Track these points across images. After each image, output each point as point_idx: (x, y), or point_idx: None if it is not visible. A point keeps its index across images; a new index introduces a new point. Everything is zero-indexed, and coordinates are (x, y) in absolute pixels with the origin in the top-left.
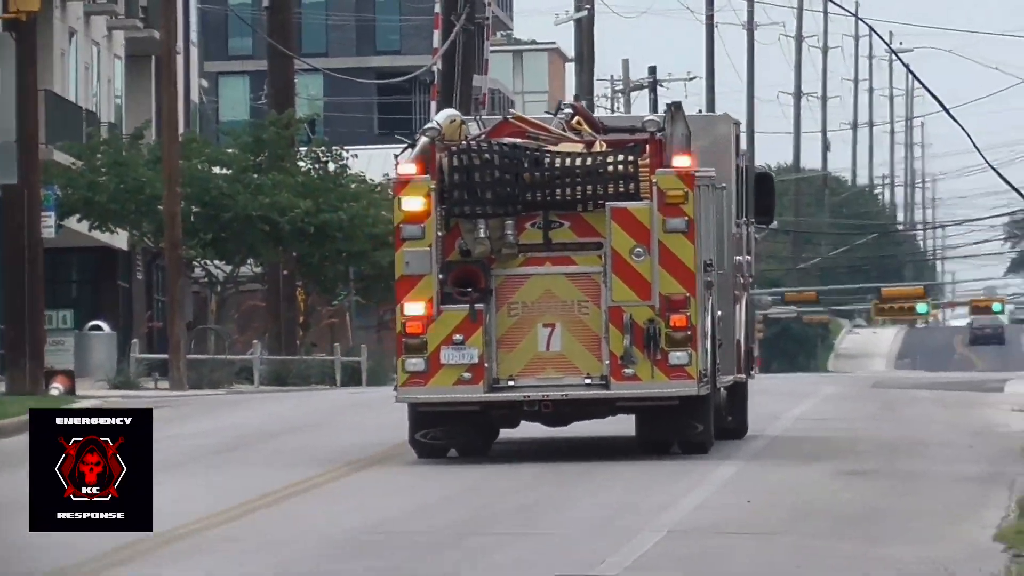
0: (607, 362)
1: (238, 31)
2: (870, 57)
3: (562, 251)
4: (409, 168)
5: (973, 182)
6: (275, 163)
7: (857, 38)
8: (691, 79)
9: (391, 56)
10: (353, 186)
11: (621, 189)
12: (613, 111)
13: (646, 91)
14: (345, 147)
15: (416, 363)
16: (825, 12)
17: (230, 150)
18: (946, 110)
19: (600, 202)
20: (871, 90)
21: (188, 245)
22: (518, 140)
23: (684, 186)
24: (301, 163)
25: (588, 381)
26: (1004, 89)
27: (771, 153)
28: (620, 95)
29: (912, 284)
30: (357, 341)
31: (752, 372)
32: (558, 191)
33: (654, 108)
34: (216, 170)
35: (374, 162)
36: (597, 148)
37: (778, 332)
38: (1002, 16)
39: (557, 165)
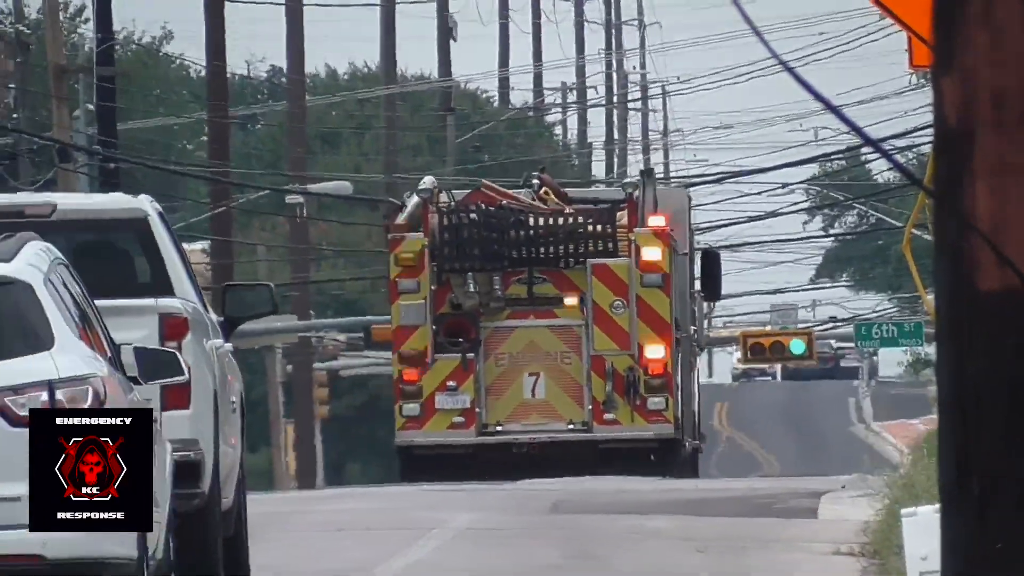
0: (589, 407)
1: None
2: None
3: (545, 304)
4: (403, 227)
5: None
6: None
7: None
8: None
9: None
10: None
11: (600, 247)
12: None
13: None
14: None
15: (412, 408)
16: None
17: None
18: None
19: (581, 259)
20: None
21: None
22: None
23: (660, 243)
24: None
25: (571, 426)
26: None
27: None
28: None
29: None
30: None
31: (702, 446)
32: (541, 249)
33: None
34: None
35: None
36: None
37: (364, 401)
38: None
39: (540, 225)
